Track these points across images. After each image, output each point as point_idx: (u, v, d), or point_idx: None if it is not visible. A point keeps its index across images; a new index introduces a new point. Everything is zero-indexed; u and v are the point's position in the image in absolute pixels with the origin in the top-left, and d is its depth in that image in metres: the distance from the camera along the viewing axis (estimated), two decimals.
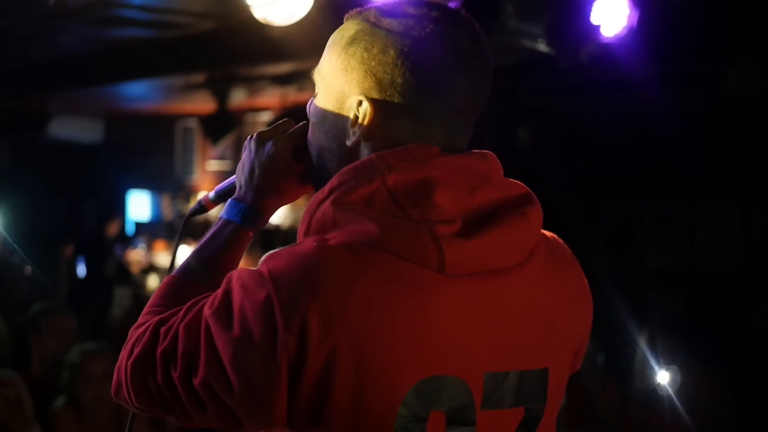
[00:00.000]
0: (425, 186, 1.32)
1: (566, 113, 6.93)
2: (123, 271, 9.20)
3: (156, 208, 12.09)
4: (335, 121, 1.42)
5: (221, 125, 8.17)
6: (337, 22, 1.47)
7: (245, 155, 1.58)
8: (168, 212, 11.77)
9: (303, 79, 7.36)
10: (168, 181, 11.66)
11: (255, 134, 1.58)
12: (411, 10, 1.39)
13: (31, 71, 9.19)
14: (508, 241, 1.36)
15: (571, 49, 4.30)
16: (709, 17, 5.24)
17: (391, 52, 1.36)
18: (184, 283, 1.51)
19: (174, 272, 1.55)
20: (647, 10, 4.42)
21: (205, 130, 8.49)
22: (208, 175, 11.13)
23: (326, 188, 1.36)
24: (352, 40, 1.40)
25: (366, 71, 1.38)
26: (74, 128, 12.09)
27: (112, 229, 10.70)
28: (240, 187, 1.58)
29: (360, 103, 1.38)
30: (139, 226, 12.12)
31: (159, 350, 1.36)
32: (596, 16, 4.20)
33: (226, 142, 8.89)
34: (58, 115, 11.75)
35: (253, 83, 7.90)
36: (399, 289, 1.29)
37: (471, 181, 1.36)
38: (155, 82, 8.90)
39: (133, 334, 1.43)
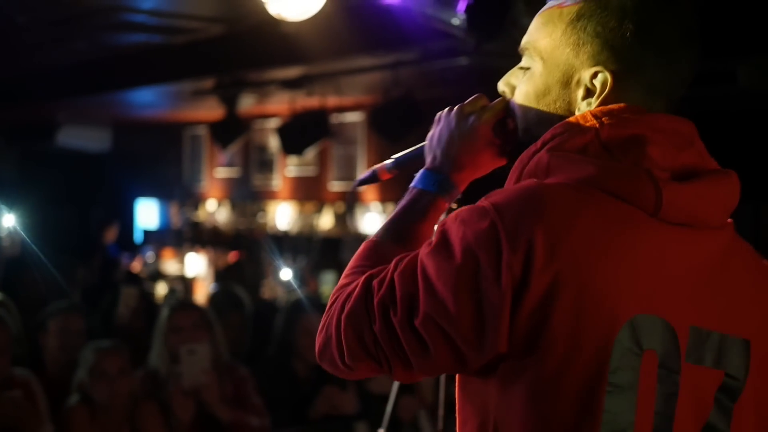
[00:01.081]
0: (637, 140, 1.38)
1: None
2: (131, 276, 9.23)
3: (164, 215, 12.11)
4: (560, 94, 1.48)
5: (230, 130, 8.19)
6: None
7: (441, 127, 1.62)
8: (176, 220, 11.78)
9: (312, 83, 7.37)
10: (176, 189, 11.68)
11: (456, 107, 1.62)
12: None
13: (40, 79, 9.23)
14: (716, 195, 1.42)
15: None
16: (717, 16, 5.24)
17: (629, 25, 1.42)
18: (384, 245, 1.55)
19: (372, 237, 1.59)
20: None
21: (214, 135, 8.52)
22: (216, 183, 11.15)
23: (539, 141, 1.43)
24: (580, 16, 1.45)
25: (602, 44, 1.43)
26: (82, 137, 12.14)
27: (110, 235, 10.72)
28: (434, 158, 1.62)
29: (595, 75, 1.44)
30: (147, 233, 12.14)
31: (376, 300, 1.39)
32: None
33: (234, 148, 8.90)
34: (66, 123, 11.80)
35: (262, 88, 7.91)
36: (616, 225, 1.34)
37: (677, 142, 1.41)
38: (163, 89, 8.92)
39: (340, 293, 1.47)
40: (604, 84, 1.44)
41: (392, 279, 1.39)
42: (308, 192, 9.87)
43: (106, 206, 11.73)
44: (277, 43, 6.47)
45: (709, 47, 4.95)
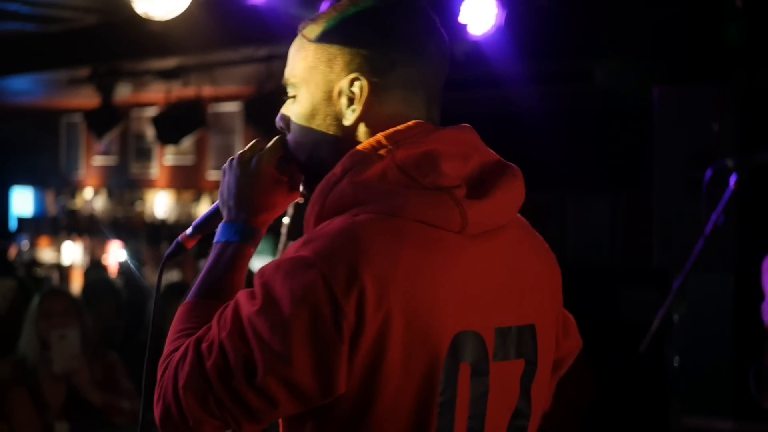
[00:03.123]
0: (430, 157, 1.45)
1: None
2: (7, 266, 9.16)
3: (40, 203, 11.98)
4: (327, 111, 1.53)
5: (106, 120, 8.20)
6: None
7: (228, 178, 1.63)
8: (52, 208, 11.69)
9: (187, 73, 7.46)
10: (52, 177, 11.58)
11: (235, 156, 1.64)
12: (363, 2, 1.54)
13: None
14: (510, 199, 1.50)
15: None
16: (575, 17, 5.48)
17: (368, 29, 1.51)
18: (202, 305, 1.55)
19: (187, 299, 1.58)
20: (515, 10, 4.63)
21: (90, 124, 8.50)
22: (94, 171, 11.10)
23: (337, 170, 1.46)
24: (324, 36, 1.53)
25: (351, 53, 1.51)
26: None
27: None
28: (229, 210, 1.62)
29: (352, 82, 1.50)
30: (22, 221, 12.00)
31: (208, 366, 1.39)
32: (464, 16, 4.40)
33: (110, 137, 8.91)
34: None
35: (138, 78, 7.96)
36: (433, 252, 1.41)
37: (464, 151, 1.50)
38: (39, 77, 8.87)
39: (170, 361, 1.46)
40: (362, 89, 1.50)
41: (221, 342, 1.40)
42: (186, 181, 9.93)
43: None
44: (152, 34, 6.55)
45: (568, 47, 5.21)
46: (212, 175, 9.55)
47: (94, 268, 8.48)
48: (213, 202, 1.66)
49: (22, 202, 12.14)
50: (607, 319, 6.63)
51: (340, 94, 1.52)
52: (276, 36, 5.25)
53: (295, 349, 1.35)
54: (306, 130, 1.55)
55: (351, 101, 1.51)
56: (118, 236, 10.10)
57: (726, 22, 4.84)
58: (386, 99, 1.51)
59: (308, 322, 1.35)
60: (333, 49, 1.52)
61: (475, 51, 4.65)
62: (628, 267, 6.77)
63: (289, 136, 1.59)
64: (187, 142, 8.40)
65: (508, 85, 5.70)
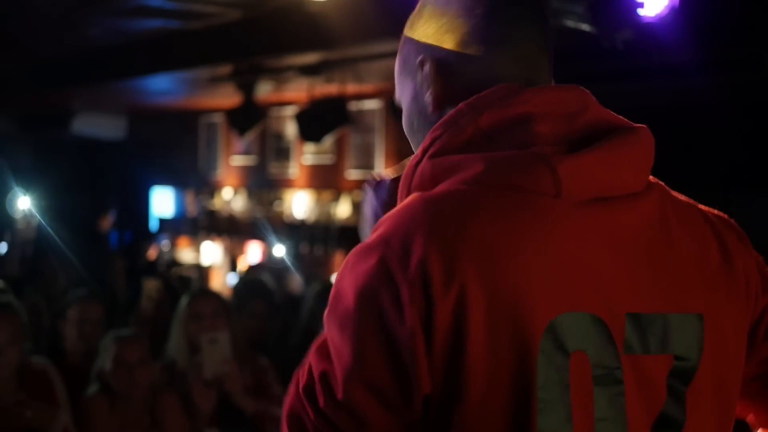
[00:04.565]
0: (521, 120, 1.25)
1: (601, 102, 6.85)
2: (151, 267, 9.20)
3: (180, 204, 12.07)
4: (416, 103, 1.41)
5: (247, 117, 8.12)
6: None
7: (366, 207, 1.49)
8: (192, 208, 11.73)
9: (331, 69, 7.29)
10: (192, 177, 11.64)
11: (366, 181, 1.52)
12: None
13: (56, 66, 9.17)
14: (623, 157, 1.26)
15: (611, 28, 4.20)
16: (747, 1, 5.16)
17: (429, 9, 1.38)
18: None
19: None
20: None
21: (232, 122, 8.43)
22: (232, 171, 11.09)
23: (419, 150, 1.31)
24: (405, 37, 1.42)
25: (419, 37, 1.39)
26: (98, 125, 12.12)
27: (105, 223, 10.73)
28: (363, 238, 1.45)
29: (421, 66, 1.37)
30: (162, 222, 12.10)
31: (301, 391, 1.25)
32: None
33: (251, 136, 8.82)
34: (81, 111, 11.76)
35: (279, 74, 7.83)
36: (518, 220, 1.20)
37: (568, 111, 1.28)
38: (179, 76, 8.85)
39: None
40: (429, 70, 1.36)
41: (309, 362, 1.27)
42: (325, 180, 9.80)
43: (122, 195, 11.73)
44: (297, 27, 6.39)
45: (737, 34, 4.85)
46: (352, 174, 9.39)
47: (252, 267, 8.40)
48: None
49: (162, 202, 12.25)
50: None
51: (421, 87, 1.38)
52: None
53: (366, 345, 1.18)
54: (409, 134, 1.45)
55: (427, 87, 1.37)
56: (258, 237, 10.03)
57: None
58: (464, 74, 1.34)
59: (373, 311, 1.18)
60: (411, 46, 1.41)
61: (645, 36, 4.35)
62: None
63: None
64: (328, 141, 8.25)
65: (675, 73, 5.39)
